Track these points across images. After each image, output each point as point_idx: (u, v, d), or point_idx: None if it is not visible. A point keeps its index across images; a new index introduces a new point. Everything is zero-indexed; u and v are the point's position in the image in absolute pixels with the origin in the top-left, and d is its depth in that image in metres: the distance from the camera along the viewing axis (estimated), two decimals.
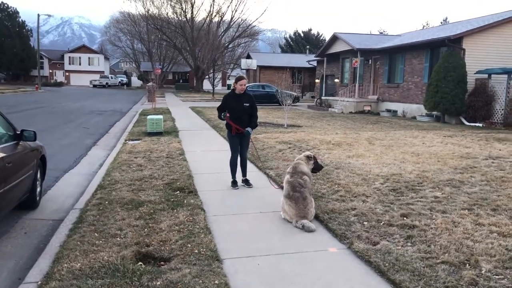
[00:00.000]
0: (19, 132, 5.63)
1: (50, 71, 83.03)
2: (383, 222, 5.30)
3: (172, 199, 6.25)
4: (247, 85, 7.53)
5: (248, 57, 50.86)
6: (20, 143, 5.64)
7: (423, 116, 21.49)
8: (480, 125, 18.41)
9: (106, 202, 6.07)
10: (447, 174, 8.03)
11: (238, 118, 7.09)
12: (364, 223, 5.31)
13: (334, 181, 7.41)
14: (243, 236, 5.03)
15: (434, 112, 20.50)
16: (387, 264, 4.11)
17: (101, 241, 4.63)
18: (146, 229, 5.03)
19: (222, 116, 7.14)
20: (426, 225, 5.18)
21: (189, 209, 5.81)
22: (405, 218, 5.44)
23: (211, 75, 52.98)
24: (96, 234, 4.86)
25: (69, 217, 5.59)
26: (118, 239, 4.72)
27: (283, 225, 5.44)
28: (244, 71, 49.04)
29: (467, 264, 4.09)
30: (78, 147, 11.89)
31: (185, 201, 6.16)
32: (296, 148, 11.04)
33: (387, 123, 19.16)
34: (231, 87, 7.34)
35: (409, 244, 4.64)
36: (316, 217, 5.60)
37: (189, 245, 4.55)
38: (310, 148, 10.93)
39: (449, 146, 11.68)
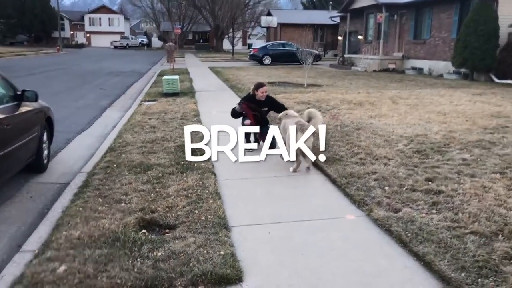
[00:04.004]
0: (19, 93, 5.36)
1: (71, 32, 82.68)
2: (405, 187, 4.91)
3: (182, 162, 5.94)
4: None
5: (269, 14, 49.40)
6: (23, 104, 5.39)
7: (451, 73, 20.50)
8: None
9: (114, 165, 5.84)
10: (476, 134, 7.51)
11: (257, 121, 6.65)
12: (385, 188, 4.92)
13: (354, 143, 7.00)
14: (254, 201, 4.74)
15: (462, 69, 19.50)
16: (409, 234, 3.76)
17: (104, 207, 4.40)
18: (152, 194, 4.77)
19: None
20: (453, 191, 4.77)
21: (199, 172, 5.52)
22: (430, 183, 5.03)
23: (230, 34, 51.85)
24: (100, 199, 4.63)
25: (75, 181, 5.39)
26: (123, 204, 4.48)
27: (297, 190, 5.13)
28: (265, 29, 47.87)
29: (500, 235, 3.70)
30: (93, 108, 11.70)
31: (195, 165, 5.86)
32: (315, 108, 10.56)
33: (412, 81, 18.34)
34: (250, 93, 6.89)
35: (434, 211, 4.25)
36: (333, 182, 5.26)
37: (196, 212, 4.29)
38: (330, 108, 10.46)
39: (478, 104, 11.02)
